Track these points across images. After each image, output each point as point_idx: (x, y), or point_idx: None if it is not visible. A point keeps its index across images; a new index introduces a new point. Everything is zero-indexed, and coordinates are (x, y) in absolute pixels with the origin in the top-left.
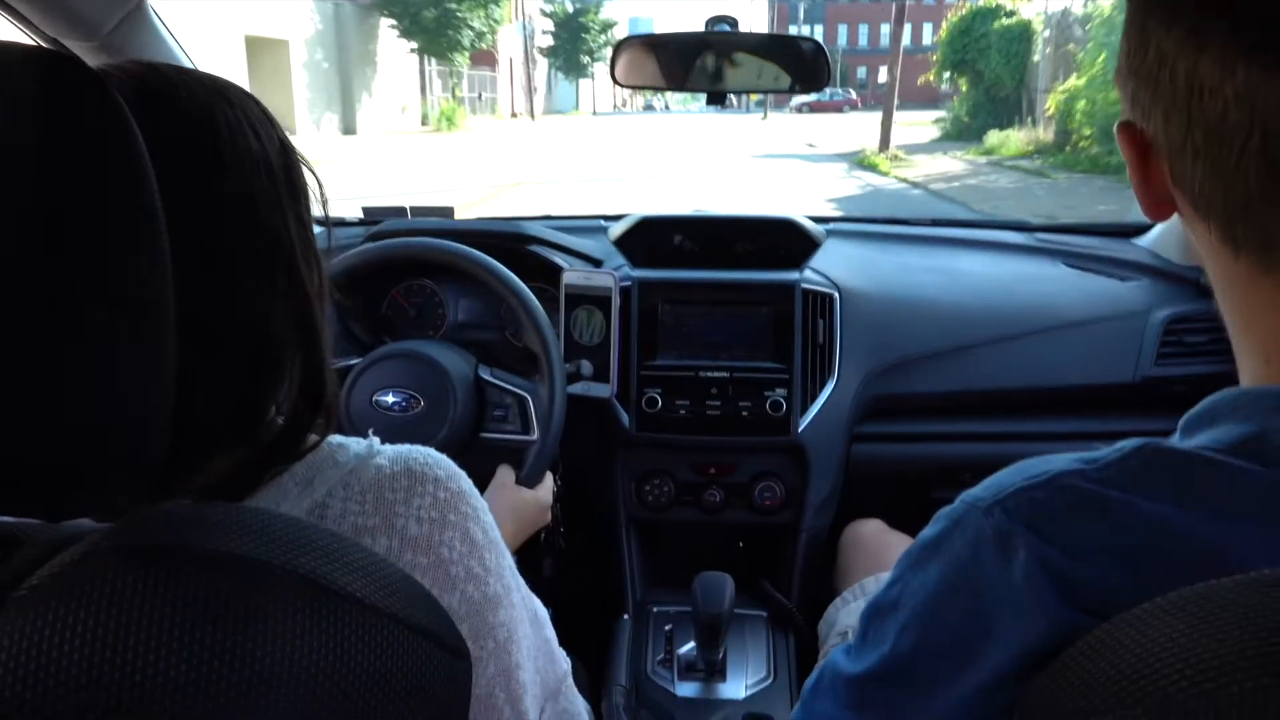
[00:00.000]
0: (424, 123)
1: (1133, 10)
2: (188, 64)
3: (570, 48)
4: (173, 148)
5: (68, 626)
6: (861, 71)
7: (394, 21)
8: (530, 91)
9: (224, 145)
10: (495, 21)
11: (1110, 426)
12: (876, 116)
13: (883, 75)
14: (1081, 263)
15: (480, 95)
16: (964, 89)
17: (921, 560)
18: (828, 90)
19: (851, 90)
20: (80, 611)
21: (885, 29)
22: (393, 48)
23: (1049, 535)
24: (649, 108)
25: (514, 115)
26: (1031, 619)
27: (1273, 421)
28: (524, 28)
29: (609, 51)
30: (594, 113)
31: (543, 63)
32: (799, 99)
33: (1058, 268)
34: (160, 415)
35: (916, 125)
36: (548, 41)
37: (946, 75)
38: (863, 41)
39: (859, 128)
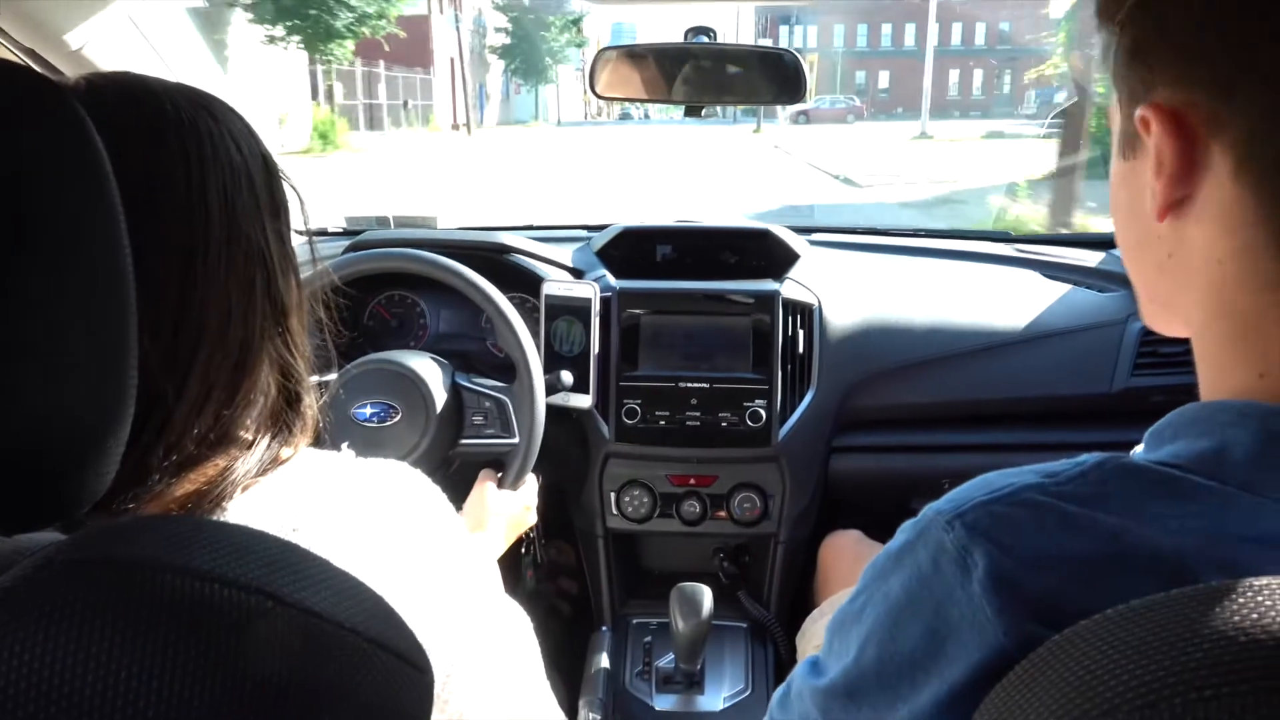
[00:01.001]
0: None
1: None
2: (170, 75)
3: (528, 48)
4: (155, 158)
5: (18, 640)
6: (860, 76)
7: None
8: (479, 99)
9: (206, 157)
10: (388, 3)
11: (1088, 437)
12: (889, 127)
13: (884, 80)
14: (1060, 273)
15: (406, 103)
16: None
17: (885, 572)
18: (827, 97)
19: (854, 97)
20: (30, 626)
21: (887, 29)
22: (256, 38)
23: (1007, 548)
24: (625, 116)
25: (456, 127)
26: (989, 632)
27: (1231, 435)
28: (456, 19)
29: (575, 53)
30: (559, 123)
31: (497, 65)
32: (794, 107)
33: (1036, 278)
34: (118, 426)
35: (986, 141)
36: (503, 40)
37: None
38: (861, 42)
39: (887, 143)
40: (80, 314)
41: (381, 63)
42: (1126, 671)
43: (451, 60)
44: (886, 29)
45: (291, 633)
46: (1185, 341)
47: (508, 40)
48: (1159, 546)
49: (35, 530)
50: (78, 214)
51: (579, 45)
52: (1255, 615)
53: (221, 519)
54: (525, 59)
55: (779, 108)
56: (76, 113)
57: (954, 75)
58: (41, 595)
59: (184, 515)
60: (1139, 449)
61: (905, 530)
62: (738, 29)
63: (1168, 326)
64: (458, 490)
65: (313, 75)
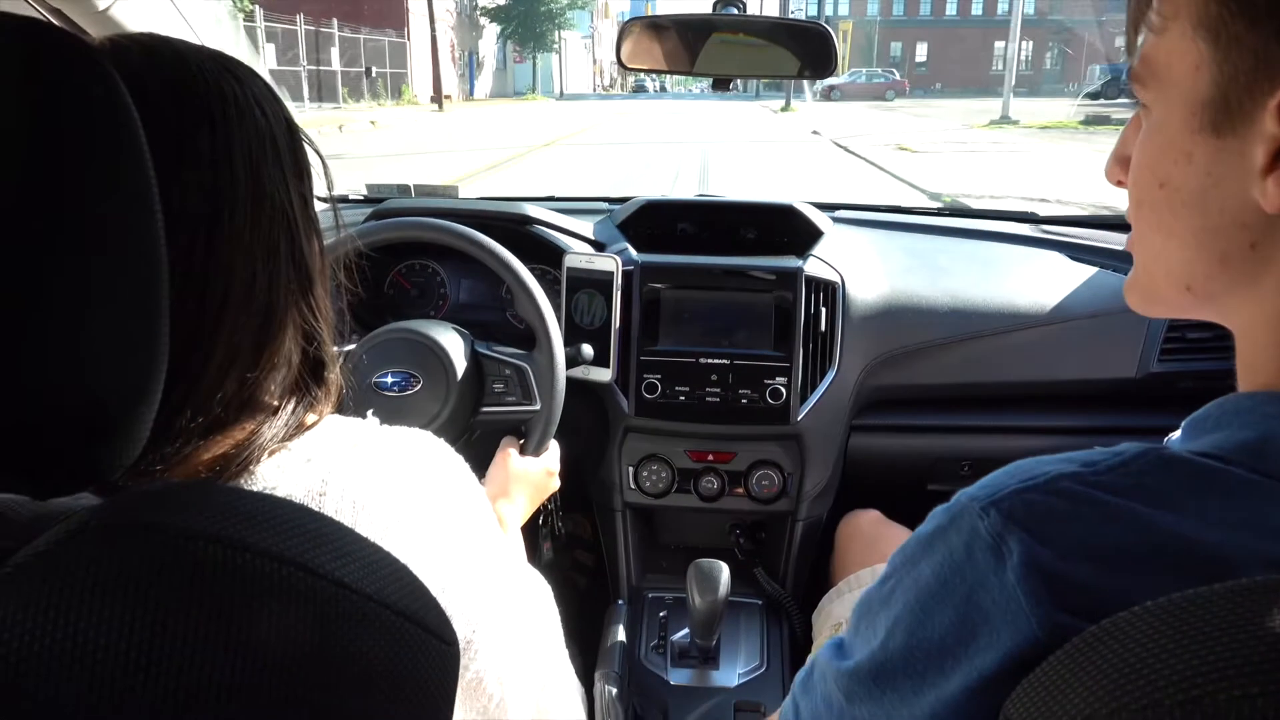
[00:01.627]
0: None
1: None
2: (195, 38)
3: (525, 9)
4: (182, 119)
5: (53, 605)
6: (896, 47)
7: None
8: (468, 68)
9: (231, 118)
10: None
11: (1112, 422)
12: (935, 106)
13: (921, 52)
14: (1086, 255)
15: (370, 70)
16: None
17: (915, 557)
18: (863, 70)
19: (893, 70)
20: (65, 590)
21: None
22: None
23: (1043, 537)
24: (639, 89)
25: (436, 100)
26: (1022, 621)
27: (1275, 428)
28: None
29: (581, 17)
30: (560, 96)
31: (491, 30)
32: (826, 81)
33: (1062, 260)
34: (151, 390)
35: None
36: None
37: None
38: (898, 10)
39: (953, 128)
40: (113, 278)
41: (335, 21)
42: (1167, 665)
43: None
44: None
45: (323, 605)
46: (1214, 327)
47: (503, 0)
48: (1200, 540)
49: (68, 494)
50: (110, 177)
51: (582, 7)
52: None
53: (248, 483)
54: (522, 22)
55: (806, 82)
56: (109, 74)
57: (998, 47)
58: (75, 560)
59: (218, 483)
60: (1175, 436)
61: (937, 515)
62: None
63: (1195, 314)
64: (480, 458)
65: (251, 34)
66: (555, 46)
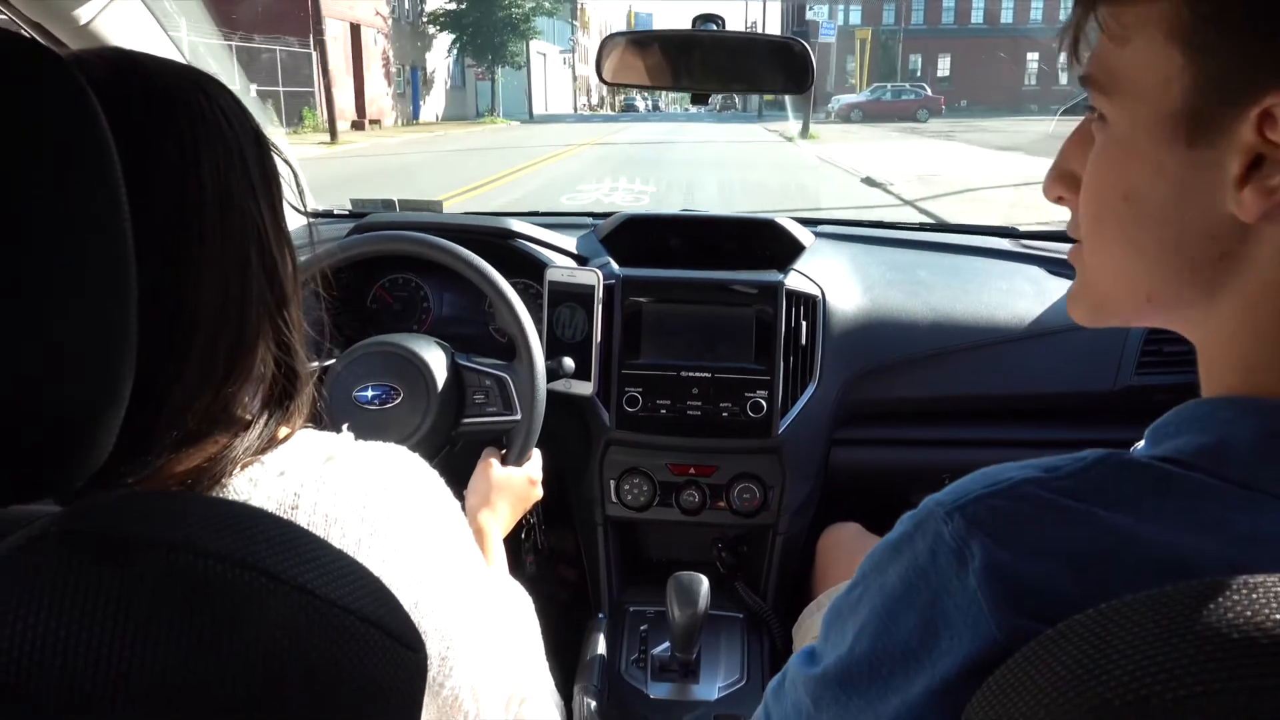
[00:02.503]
0: None
1: None
2: (173, 54)
3: (480, 17)
4: (147, 132)
5: (10, 610)
6: (915, 60)
7: None
8: (411, 86)
9: (198, 132)
10: None
11: (1091, 435)
12: (974, 127)
13: (944, 66)
14: (1064, 269)
15: (250, 90)
16: None
17: (882, 563)
18: (887, 86)
19: (926, 86)
20: (24, 595)
21: (949, 3)
22: None
23: (1005, 541)
24: (629, 108)
25: (360, 126)
26: (983, 624)
27: (1234, 431)
28: None
29: (553, 26)
30: (530, 117)
31: (443, 41)
32: (847, 98)
33: (1041, 274)
34: (116, 399)
35: None
36: (446, 4)
37: None
38: (917, 18)
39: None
40: (80, 289)
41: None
42: (1118, 667)
43: (350, 28)
44: (948, 2)
45: (284, 610)
46: (1190, 341)
47: (454, 5)
48: (1158, 542)
49: (30, 502)
50: (79, 186)
51: (551, 14)
52: (1250, 612)
53: (222, 494)
54: (477, 31)
55: (832, 103)
56: (78, 84)
57: (1032, 60)
58: (35, 566)
59: (180, 491)
60: (1140, 445)
61: (904, 521)
62: (764, 7)
63: (1150, 323)
64: (462, 469)
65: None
66: (517, 60)
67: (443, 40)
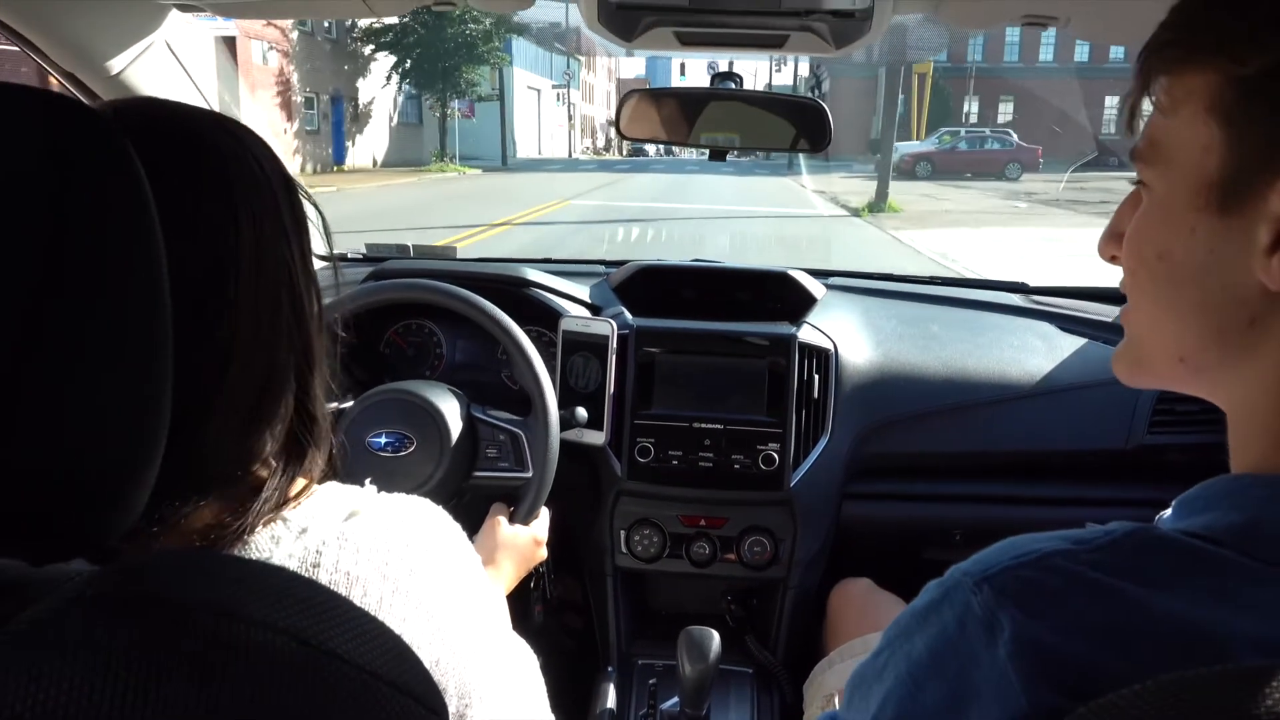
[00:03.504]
0: None
1: None
2: (201, 102)
3: (426, 36)
4: (181, 181)
5: (48, 675)
6: (970, 103)
7: None
8: (333, 122)
9: (232, 177)
10: None
11: (1102, 493)
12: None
13: (1005, 111)
14: (1076, 327)
15: None
16: None
17: (909, 630)
18: (961, 132)
19: (1012, 133)
20: (58, 660)
21: (1012, 38)
22: None
23: (1035, 614)
24: (637, 153)
25: None
26: (1013, 698)
27: (1266, 512)
28: None
29: (526, 51)
30: (504, 163)
31: (382, 66)
32: (911, 147)
33: (1053, 331)
34: (152, 456)
35: None
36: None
37: None
38: (976, 54)
39: None
40: (120, 343)
41: None
42: None
43: (225, 40)
44: (1012, 37)
45: (314, 676)
46: (1203, 401)
47: (396, 19)
48: (1190, 620)
49: (64, 560)
50: (118, 241)
51: (519, 34)
52: None
53: (244, 552)
54: (424, 54)
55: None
56: (117, 138)
57: (1111, 105)
58: (72, 630)
59: (213, 550)
60: (1166, 514)
61: (930, 590)
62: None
63: (1185, 387)
64: (469, 522)
65: None
66: (476, 91)
67: (383, 65)
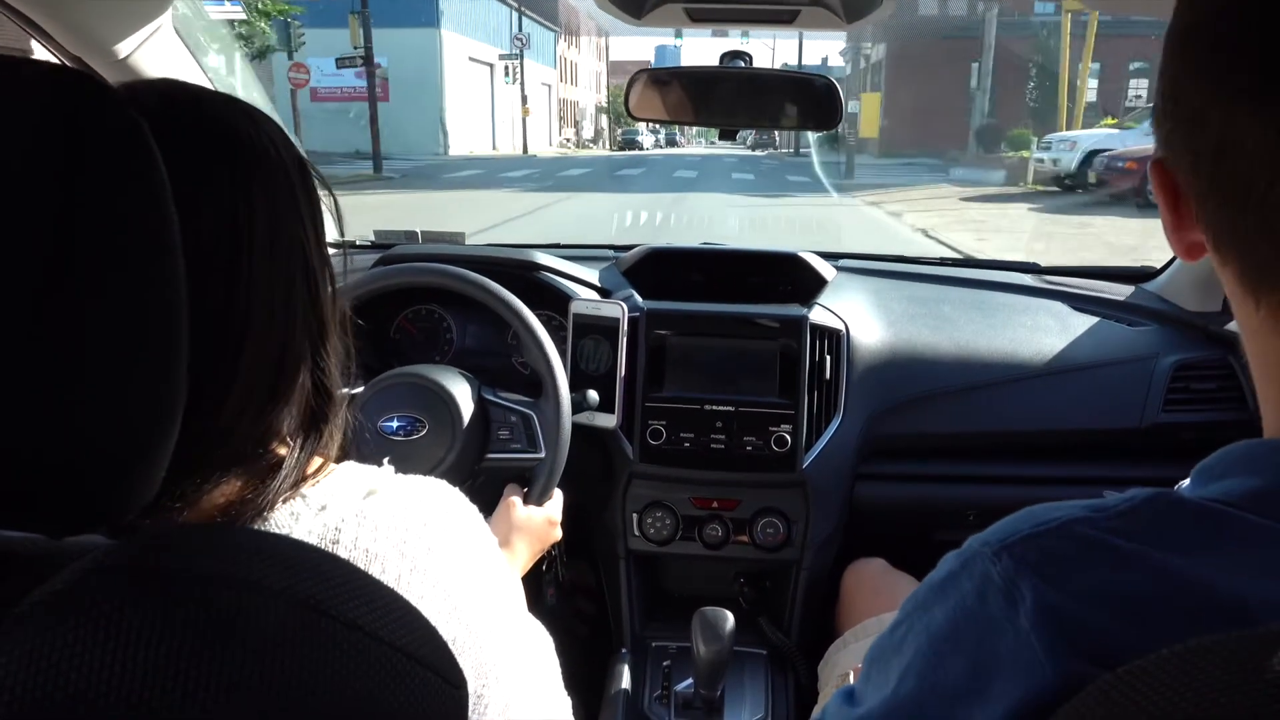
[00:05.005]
0: None
1: (1166, 58)
2: (209, 84)
3: None
4: (197, 159)
5: (66, 646)
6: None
7: None
8: None
9: (246, 156)
10: None
11: (1116, 472)
12: None
13: (1139, 87)
14: (1089, 306)
15: None
16: None
17: (927, 603)
18: (1117, 130)
19: None
20: (79, 631)
21: None
22: None
23: (1057, 582)
24: (629, 143)
25: None
26: (1036, 667)
27: None
28: None
29: (458, 9)
30: (377, 170)
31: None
32: (1094, 139)
33: (1065, 310)
34: (168, 430)
35: None
36: None
37: None
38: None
39: None
40: (134, 316)
41: None
42: (1183, 714)
43: None
44: None
45: (334, 646)
46: (1219, 379)
47: None
48: (1213, 585)
49: (84, 534)
50: (132, 216)
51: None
52: None
53: (264, 528)
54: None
55: (1055, 148)
56: (131, 115)
57: None
58: (88, 602)
59: (231, 525)
60: (1185, 483)
61: (949, 561)
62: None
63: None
64: (483, 504)
65: None
66: (255, 47)
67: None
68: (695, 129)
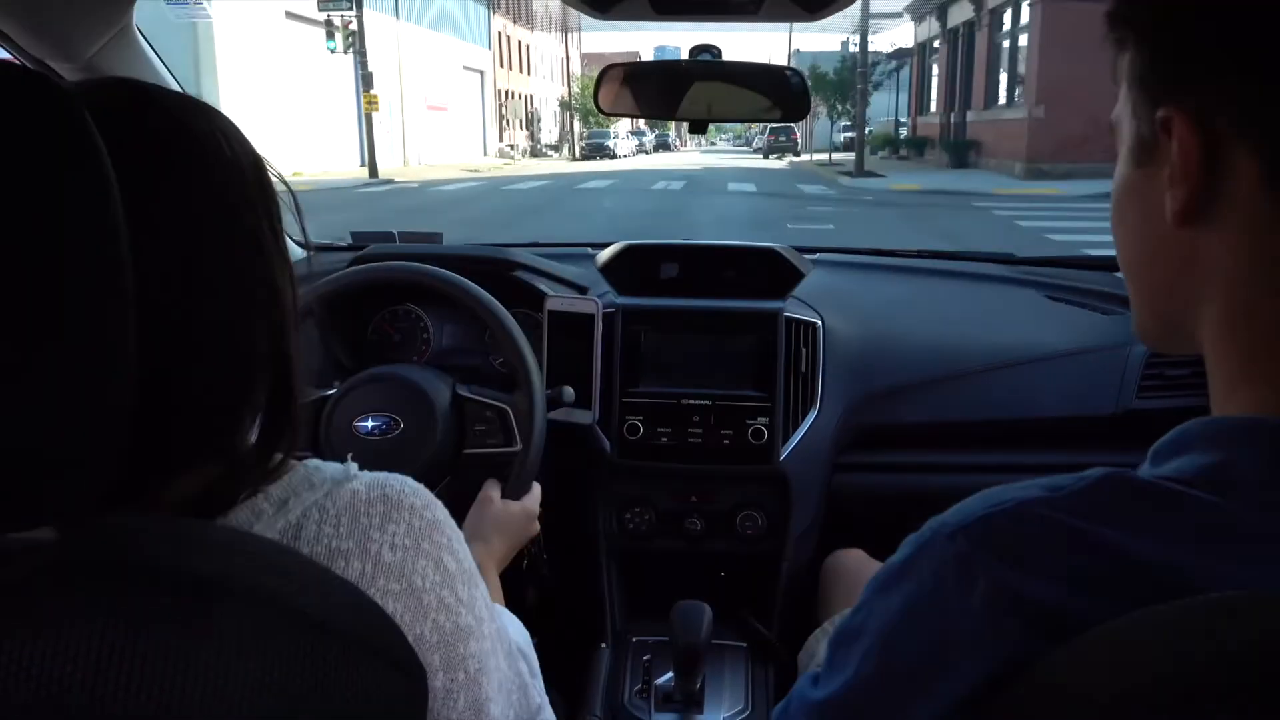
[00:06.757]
0: None
1: None
2: (172, 85)
3: None
4: (147, 155)
5: (14, 640)
6: None
7: None
8: None
9: (197, 153)
10: None
11: (1091, 459)
12: None
13: None
14: (1063, 295)
15: None
16: None
17: (886, 586)
18: None
19: None
20: (24, 627)
21: None
22: None
23: (1011, 562)
24: (597, 148)
25: None
26: (991, 646)
27: (1237, 452)
28: None
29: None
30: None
31: None
32: None
33: (1039, 299)
34: (116, 425)
35: None
36: None
37: None
38: None
39: None
40: (80, 311)
41: None
42: (1133, 682)
43: None
44: None
45: (284, 639)
46: (1191, 364)
47: None
48: (1163, 562)
49: (30, 529)
50: (77, 210)
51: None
52: (1259, 630)
53: (224, 524)
54: None
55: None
56: (76, 109)
57: None
58: (39, 595)
59: (182, 518)
60: (1145, 466)
61: (908, 544)
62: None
63: (1173, 345)
64: (462, 499)
65: None
66: None
67: None
68: (691, 134)
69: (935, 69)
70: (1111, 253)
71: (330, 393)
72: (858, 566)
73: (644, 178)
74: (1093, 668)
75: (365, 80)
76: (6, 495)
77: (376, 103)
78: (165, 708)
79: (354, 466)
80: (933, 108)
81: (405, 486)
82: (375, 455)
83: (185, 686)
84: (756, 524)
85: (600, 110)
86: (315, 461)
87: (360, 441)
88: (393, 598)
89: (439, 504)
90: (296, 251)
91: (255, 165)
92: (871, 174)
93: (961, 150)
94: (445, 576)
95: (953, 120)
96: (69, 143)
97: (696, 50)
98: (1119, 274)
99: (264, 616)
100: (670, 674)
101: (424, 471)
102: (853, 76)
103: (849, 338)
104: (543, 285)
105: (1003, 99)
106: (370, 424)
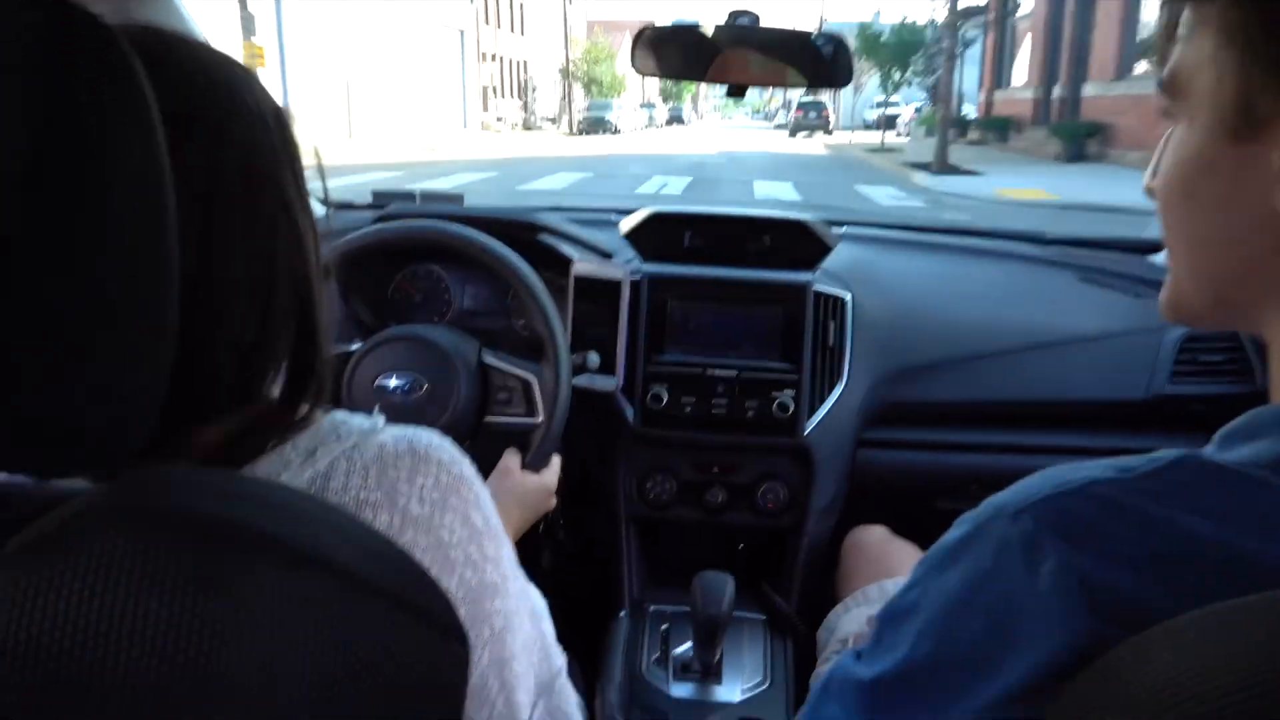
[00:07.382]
0: None
1: None
2: (198, 34)
3: None
4: (174, 104)
5: (52, 588)
6: None
7: None
8: None
9: (223, 102)
10: None
11: (1121, 443)
12: None
13: None
14: (1095, 276)
15: None
16: None
17: (942, 564)
18: None
19: None
20: (66, 573)
21: None
22: None
23: (1081, 544)
24: (597, 123)
25: None
26: (1058, 630)
27: None
28: None
29: None
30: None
31: None
32: None
33: (1071, 281)
34: (158, 377)
35: None
36: None
37: None
38: None
39: None
40: (127, 254)
41: None
42: (1203, 677)
43: None
44: None
45: (324, 593)
46: (1226, 350)
47: None
48: (1239, 549)
49: (70, 477)
50: (125, 150)
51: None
52: None
53: (252, 473)
54: None
55: None
56: (123, 47)
57: None
58: (75, 543)
59: (219, 469)
60: (1209, 448)
61: (964, 522)
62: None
63: (1218, 324)
64: (480, 468)
65: None
66: None
67: None
68: (711, 105)
69: (1021, 31)
70: (1142, 237)
71: (354, 348)
72: (879, 543)
73: (629, 170)
74: (1167, 661)
75: (244, 24)
76: (50, 443)
77: (262, 56)
78: (199, 662)
79: (381, 419)
80: (1016, 79)
81: (433, 441)
82: (397, 414)
83: (222, 642)
84: (778, 497)
85: (636, 70)
86: (342, 413)
87: (383, 400)
88: (419, 550)
89: (466, 460)
90: (317, 208)
91: (277, 117)
92: (956, 169)
93: (1080, 136)
94: (472, 532)
95: (1056, 95)
96: (117, 83)
97: (734, 15)
98: (1150, 258)
99: (303, 570)
100: (688, 644)
101: (443, 435)
102: (914, 38)
103: (877, 313)
104: (568, 249)
105: (1146, 66)
106: (394, 382)
